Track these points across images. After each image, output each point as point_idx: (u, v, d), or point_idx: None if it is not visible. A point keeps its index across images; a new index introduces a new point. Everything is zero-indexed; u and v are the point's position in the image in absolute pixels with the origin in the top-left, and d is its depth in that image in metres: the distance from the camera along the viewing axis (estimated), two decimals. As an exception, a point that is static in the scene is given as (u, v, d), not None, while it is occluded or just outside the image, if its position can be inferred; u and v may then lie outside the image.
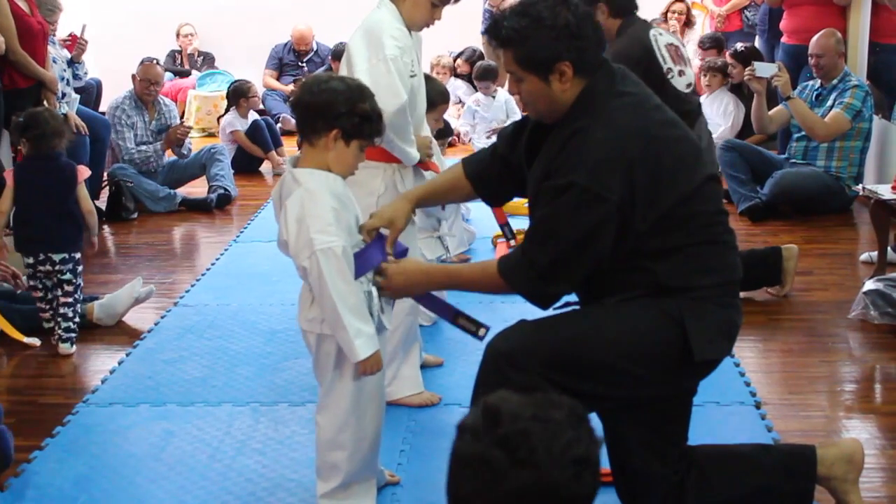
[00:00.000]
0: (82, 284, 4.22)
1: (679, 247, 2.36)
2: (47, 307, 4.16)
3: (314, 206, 2.42)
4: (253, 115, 7.78)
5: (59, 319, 4.11)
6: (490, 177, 2.72)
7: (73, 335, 4.13)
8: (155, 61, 6.82)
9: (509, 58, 2.41)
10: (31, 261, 4.10)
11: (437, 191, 2.83)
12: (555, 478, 1.27)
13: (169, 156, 6.91)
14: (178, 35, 9.80)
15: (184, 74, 9.58)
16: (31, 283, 4.14)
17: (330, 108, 2.45)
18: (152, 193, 6.50)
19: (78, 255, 4.14)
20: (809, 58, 6.06)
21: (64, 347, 4.09)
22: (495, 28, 2.42)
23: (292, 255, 2.48)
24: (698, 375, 2.49)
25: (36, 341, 4.17)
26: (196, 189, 6.75)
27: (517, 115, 7.70)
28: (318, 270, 2.40)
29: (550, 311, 2.51)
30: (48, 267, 4.08)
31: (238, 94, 7.67)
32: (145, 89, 6.56)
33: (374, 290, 2.53)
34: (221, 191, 6.65)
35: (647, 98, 2.45)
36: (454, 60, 8.80)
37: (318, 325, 2.54)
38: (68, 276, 4.09)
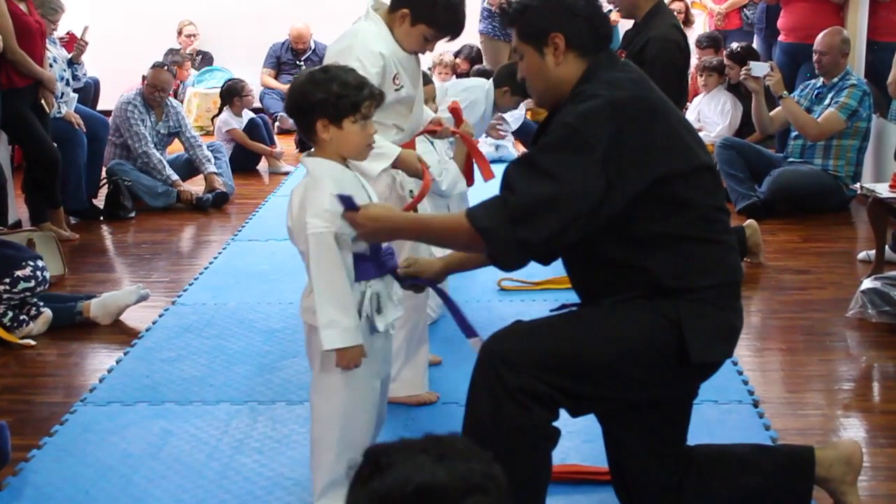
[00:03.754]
0: None
1: (675, 237, 2.34)
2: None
3: (314, 191, 2.46)
4: (248, 114, 7.77)
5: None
6: None
7: None
8: (165, 66, 6.80)
9: (515, 35, 2.48)
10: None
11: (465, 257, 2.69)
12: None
13: (170, 153, 6.93)
14: (179, 33, 9.79)
15: (180, 73, 9.58)
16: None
17: (305, 104, 2.49)
18: (150, 189, 6.51)
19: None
20: (813, 54, 6.05)
21: None
22: (507, 6, 2.51)
23: (294, 240, 2.52)
24: (697, 378, 2.48)
25: (31, 342, 4.18)
26: (194, 187, 6.74)
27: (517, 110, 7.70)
28: (308, 254, 2.44)
29: (547, 313, 2.50)
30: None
31: (232, 93, 7.67)
32: (151, 94, 6.58)
33: (372, 292, 2.53)
34: (219, 189, 6.67)
35: (650, 82, 2.47)
36: (454, 58, 8.78)
37: (311, 315, 2.53)
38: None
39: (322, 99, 2.46)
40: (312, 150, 2.59)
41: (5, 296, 4.18)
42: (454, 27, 3.30)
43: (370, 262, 2.53)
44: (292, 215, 2.50)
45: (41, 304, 4.30)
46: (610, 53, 2.48)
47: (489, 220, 2.27)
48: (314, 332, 2.54)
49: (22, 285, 4.19)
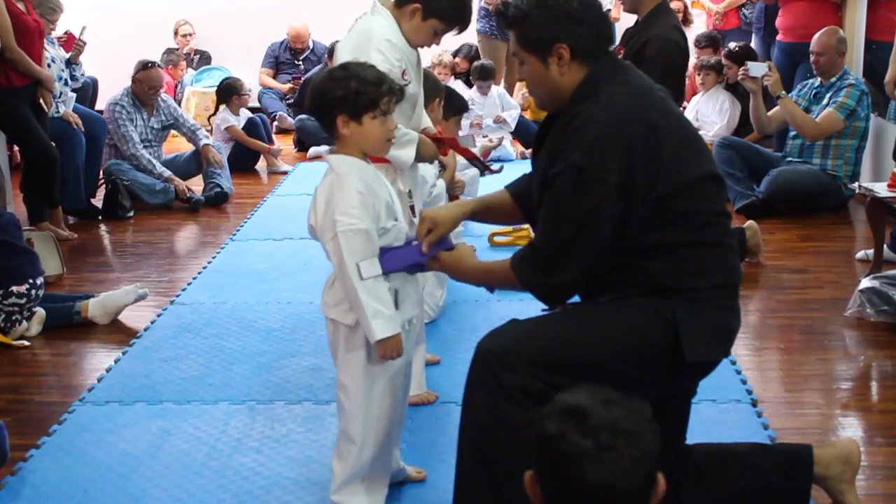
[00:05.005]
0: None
1: (677, 244, 2.34)
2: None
3: (341, 189, 2.48)
4: (246, 113, 7.76)
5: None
6: (530, 192, 2.67)
7: None
8: (155, 65, 6.79)
9: (514, 39, 2.46)
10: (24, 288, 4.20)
11: (486, 205, 2.78)
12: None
13: (167, 153, 6.94)
14: (175, 33, 9.79)
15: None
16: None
17: (325, 101, 2.52)
18: (148, 187, 6.52)
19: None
20: (810, 55, 6.06)
21: None
22: (505, 8, 2.47)
23: (319, 237, 2.54)
24: (693, 377, 2.48)
25: (24, 342, 4.18)
26: (194, 187, 6.74)
27: (512, 106, 7.72)
28: (339, 251, 2.45)
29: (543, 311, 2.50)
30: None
31: (230, 92, 7.65)
32: (146, 93, 6.58)
33: (391, 288, 2.54)
34: (217, 188, 6.68)
35: (651, 88, 2.44)
36: (454, 57, 8.78)
37: (330, 309, 2.58)
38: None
39: (341, 96, 2.49)
40: (334, 146, 2.61)
41: None
42: (464, 19, 3.31)
43: (394, 251, 2.55)
44: (317, 213, 2.52)
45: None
46: (611, 59, 2.46)
47: (524, 274, 2.38)
48: (337, 326, 2.58)
49: (13, 300, 4.18)
